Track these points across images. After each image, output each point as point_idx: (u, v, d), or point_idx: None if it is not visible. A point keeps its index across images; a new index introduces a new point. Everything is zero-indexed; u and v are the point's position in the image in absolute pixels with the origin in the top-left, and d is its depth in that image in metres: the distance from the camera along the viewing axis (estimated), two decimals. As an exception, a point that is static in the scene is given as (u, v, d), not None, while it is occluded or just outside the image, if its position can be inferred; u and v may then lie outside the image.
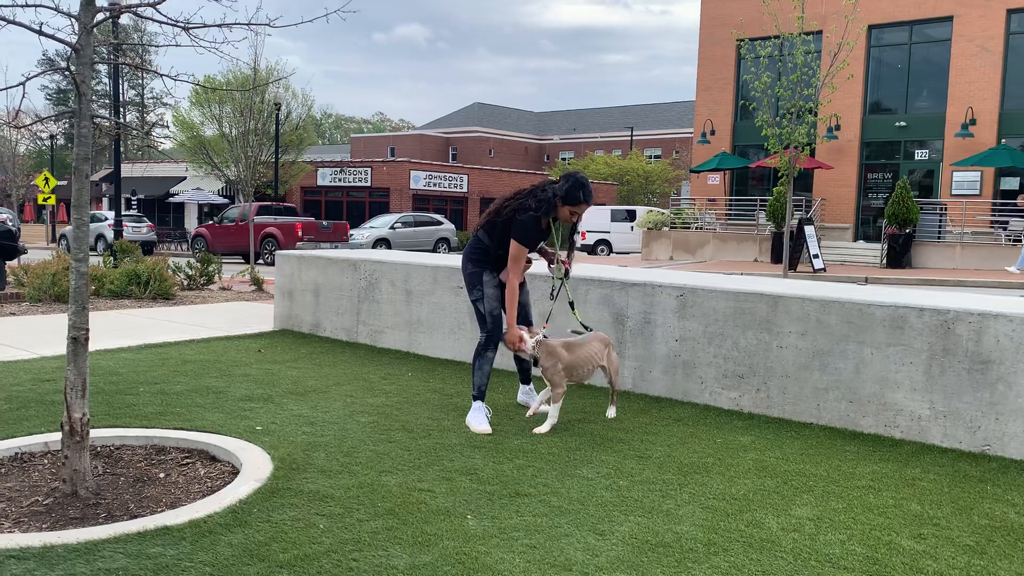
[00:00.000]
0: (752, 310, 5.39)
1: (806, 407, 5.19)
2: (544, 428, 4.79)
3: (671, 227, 26.58)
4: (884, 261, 21.79)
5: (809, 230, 20.63)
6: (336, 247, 25.33)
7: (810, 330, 5.16)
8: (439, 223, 30.66)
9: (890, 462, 4.40)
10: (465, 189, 40.64)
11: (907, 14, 25.03)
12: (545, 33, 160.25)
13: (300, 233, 25.04)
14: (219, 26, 3.73)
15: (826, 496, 3.84)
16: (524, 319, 5.21)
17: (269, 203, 27.87)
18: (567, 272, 5.15)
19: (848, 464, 4.35)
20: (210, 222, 29.04)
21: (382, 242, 27.65)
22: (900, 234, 21.25)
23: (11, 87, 3.43)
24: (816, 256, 20.40)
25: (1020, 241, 21.05)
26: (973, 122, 23.70)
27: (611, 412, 5.19)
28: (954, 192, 24.04)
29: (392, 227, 28.63)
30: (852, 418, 5.02)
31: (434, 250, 28.71)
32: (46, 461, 4.12)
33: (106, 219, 30.54)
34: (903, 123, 25.55)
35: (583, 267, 7.41)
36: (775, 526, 3.45)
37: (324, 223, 26.66)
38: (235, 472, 4.00)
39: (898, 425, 4.87)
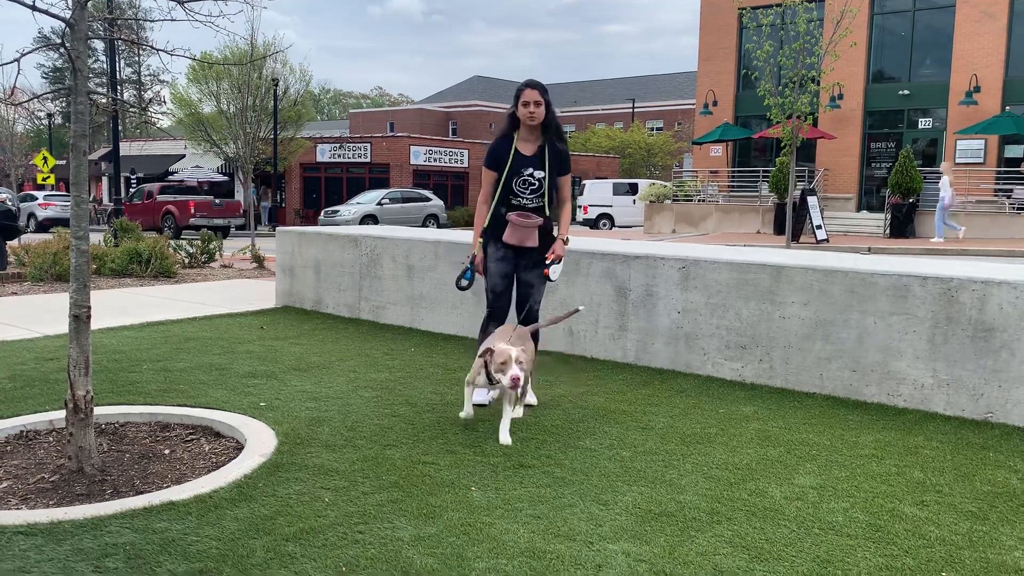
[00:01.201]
0: (755, 281, 5.37)
1: (809, 377, 5.20)
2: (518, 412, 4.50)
3: (673, 200, 26.49)
4: (887, 231, 21.72)
5: (812, 200, 20.56)
6: (229, 223, 27.59)
7: (813, 300, 5.15)
8: (427, 199, 30.60)
9: (893, 430, 4.41)
10: (466, 164, 40.46)
11: (911, -20, 24.74)
12: (543, 3, 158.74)
13: (192, 210, 27.80)
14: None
15: (829, 465, 3.85)
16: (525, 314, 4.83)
17: (173, 183, 30.47)
18: (557, 263, 4.70)
19: (851, 433, 4.35)
20: (124, 201, 31.21)
21: (369, 218, 27.65)
22: (903, 204, 21.16)
23: (6, 63, 3.40)
24: (819, 227, 20.34)
25: None
26: (977, 89, 23.50)
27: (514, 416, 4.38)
28: (958, 160, 23.89)
29: (380, 203, 28.57)
30: (855, 387, 5.03)
31: (423, 226, 28.68)
32: (51, 439, 4.14)
33: (35, 199, 32.89)
34: (906, 91, 25.36)
35: (583, 240, 7.38)
36: (778, 495, 3.46)
37: (217, 201, 29.04)
38: (240, 448, 4.02)
39: (901, 394, 4.87)
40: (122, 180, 26.53)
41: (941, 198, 19.36)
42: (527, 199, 4.69)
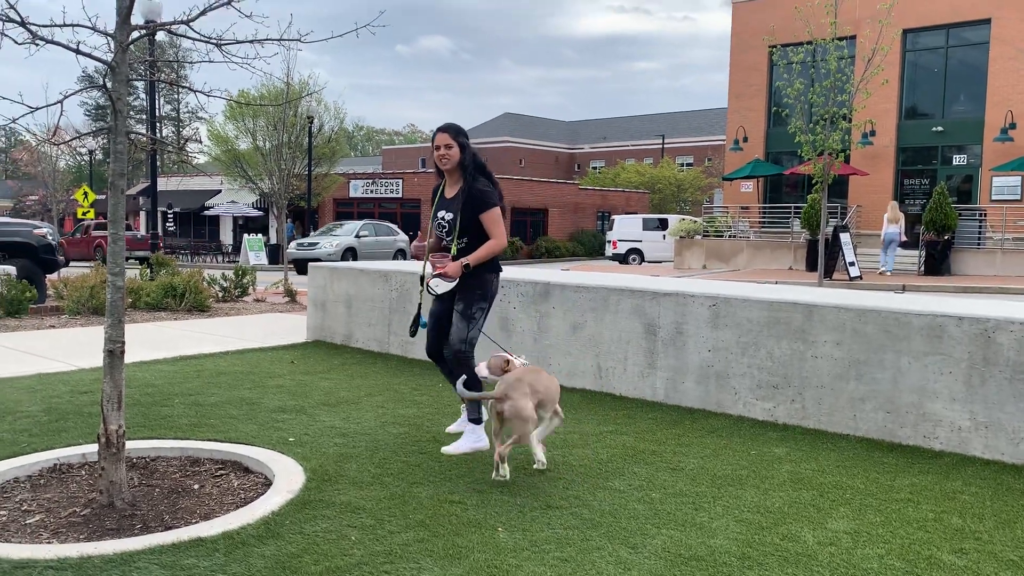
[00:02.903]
0: (787, 319, 5.32)
1: (842, 418, 5.11)
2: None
3: (704, 235, 26.39)
4: (922, 268, 21.41)
5: (844, 237, 20.35)
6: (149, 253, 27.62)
7: (846, 339, 5.08)
8: (395, 233, 30.59)
9: (930, 474, 4.31)
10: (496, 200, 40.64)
11: (943, 17, 24.67)
12: (569, 43, 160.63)
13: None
14: (251, 42, 3.78)
15: (864, 509, 3.77)
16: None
17: (104, 220, 32.02)
18: (439, 276, 4.55)
19: (886, 476, 4.26)
20: (65, 236, 33.39)
21: (349, 251, 27.70)
22: (938, 241, 20.88)
23: (50, 105, 3.50)
24: (852, 264, 20.10)
25: None
26: (1013, 126, 23.25)
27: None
28: (994, 197, 23.58)
29: (358, 235, 28.58)
30: (890, 429, 4.93)
31: (394, 259, 28.70)
32: (84, 472, 4.18)
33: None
34: (940, 128, 25.15)
35: (612, 276, 7.38)
36: (811, 540, 3.39)
37: (139, 234, 31.77)
38: (268, 483, 4.03)
39: (937, 436, 4.77)
40: (159, 215, 27.07)
41: (896, 234, 20.87)
42: (446, 240, 4.72)
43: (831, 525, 3.56)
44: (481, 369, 4.44)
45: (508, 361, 4.39)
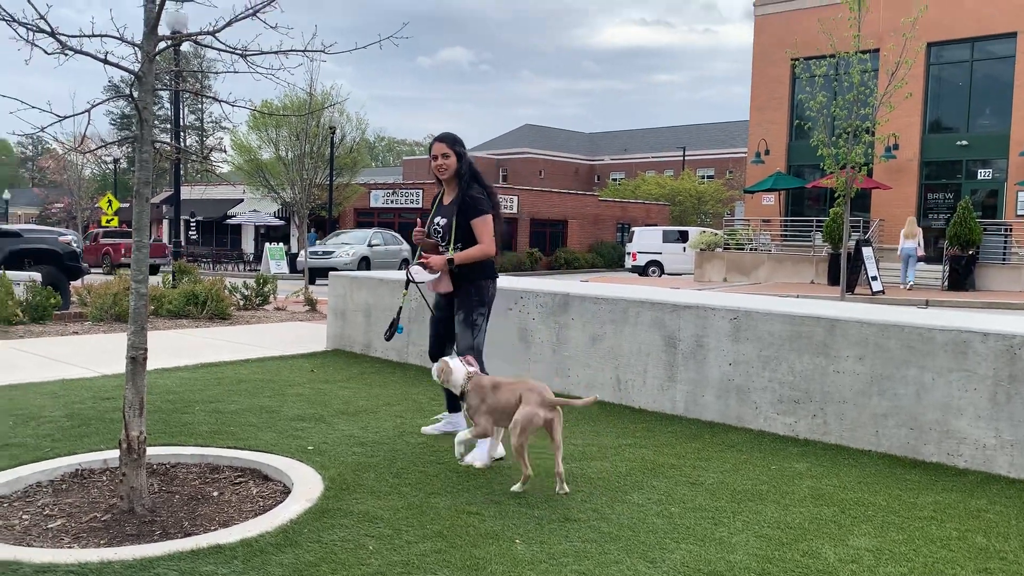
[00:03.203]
0: (808, 334, 5.27)
1: (864, 434, 5.05)
2: (478, 463, 4.44)
3: (724, 248, 26.27)
4: (946, 284, 21.20)
5: (867, 251, 20.20)
6: (155, 261, 28.62)
7: (868, 354, 5.03)
8: (400, 243, 30.75)
9: (953, 492, 4.25)
10: (515, 210, 40.79)
11: (968, 31, 24.50)
12: (590, 54, 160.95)
13: (123, 251, 31.81)
14: (275, 53, 3.81)
15: (886, 526, 3.72)
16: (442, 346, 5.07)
17: (112, 228, 32.68)
18: (421, 264, 4.80)
19: (909, 493, 4.21)
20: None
21: (364, 261, 27.89)
22: (962, 256, 20.67)
23: (76, 114, 3.55)
24: (875, 278, 19.94)
25: None
26: (1039, 140, 23.02)
27: (562, 488, 4.05)
28: (1019, 212, 23.33)
29: (370, 244, 28.78)
30: (913, 445, 4.87)
31: (400, 269, 28.82)
32: (105, 478, 4.21)
33: None
34: (964, 142, 24.94)
35: (632, 288, 7.35)
36: (832, 557, 3.35)
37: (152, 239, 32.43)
38: (286, 491, 4.04)
39: (962, 454, 4.70)
40: (181, 223, 27.36)
41: (912, 249, 21.10)
42: (441, 246, 4.94)
43: (853, 542, 3.52)
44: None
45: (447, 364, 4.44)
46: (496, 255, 4.92)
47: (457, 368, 4.41)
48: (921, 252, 21.38)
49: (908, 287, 21.24)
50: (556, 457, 4.05)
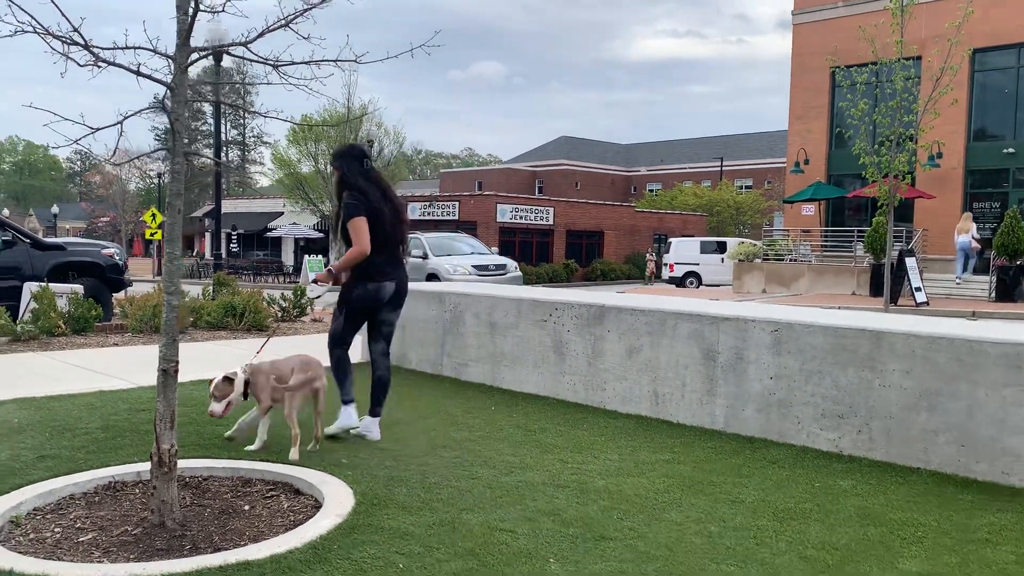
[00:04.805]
0: (853, 346, 5.11)
1: (912, 451, 4.87)
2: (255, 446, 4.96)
3: (763, 259, 25.89)
4: (993, 295, 20.64)
5: (910, 262, 19.74)
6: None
7: (916, 368, 4.85)
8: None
9: (1009, 513, 4.06)
10: (551, 221, 40.70)
11: (1014, 37, 23.93)
12: (623, 66, 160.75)
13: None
14: (307, 63, 3.79)
15: (937, 549, 3.56)
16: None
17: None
18: (314, 281, 5.33)
19: (961, 514, 4.03)
20: None
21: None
22: (1011, 266, 20.11)
23: (108, 126, 3.55)
24: (918, 289, 19.47)
25: None
26: (1089, 147, 22.37)
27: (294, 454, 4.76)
28: (1070, 221, 22.62)
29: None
30: (964, 463, 4.68)
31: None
32: (137, 491, 4.20)
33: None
34: (1011, 150, 24.32)
35: (668, 300, 7.22)
36: (881, 581, 3.20)
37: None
38: (317, 506, 3.99)
39: (1017, 473, 4.50)
40: (223, 236, 27.74)
41: (967, 242, 21.31)
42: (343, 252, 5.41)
43: (902, 565, 3.36)
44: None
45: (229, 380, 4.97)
46: (385, 252, 5.21)
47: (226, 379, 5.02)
48: (976, 244, 21.39)
49: (958, 283, 21.36)
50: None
